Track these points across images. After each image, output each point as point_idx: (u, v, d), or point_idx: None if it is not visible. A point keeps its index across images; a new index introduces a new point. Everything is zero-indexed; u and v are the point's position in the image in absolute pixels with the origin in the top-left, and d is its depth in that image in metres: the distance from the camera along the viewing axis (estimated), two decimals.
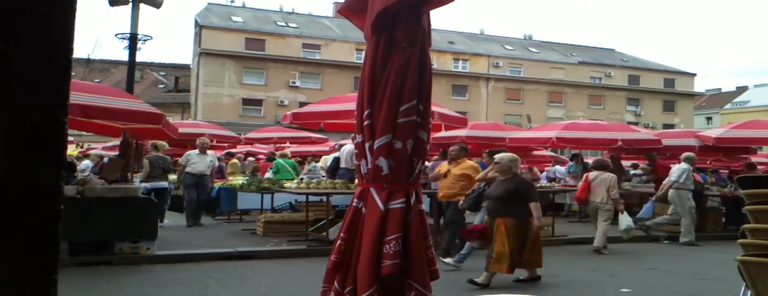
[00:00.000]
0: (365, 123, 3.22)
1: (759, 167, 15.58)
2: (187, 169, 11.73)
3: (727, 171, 20.17)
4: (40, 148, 0.90)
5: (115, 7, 13.47)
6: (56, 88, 0.91)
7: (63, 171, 0.93)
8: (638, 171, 16.40)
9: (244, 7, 46.73)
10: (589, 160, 15.06)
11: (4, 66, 0.87)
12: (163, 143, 12.00)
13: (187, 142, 16.14)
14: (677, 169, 11.30)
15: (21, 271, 0.90)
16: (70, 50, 0.92)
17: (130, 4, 13.38)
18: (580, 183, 10.82)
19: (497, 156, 7.27)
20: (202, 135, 16.70)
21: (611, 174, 10.34)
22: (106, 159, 16.02)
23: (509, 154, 7.35)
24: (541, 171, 18.76)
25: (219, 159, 14.52)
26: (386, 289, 3.14)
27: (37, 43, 0.89)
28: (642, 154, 16.57)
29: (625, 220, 9.86)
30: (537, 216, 6.71)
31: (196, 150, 12.01)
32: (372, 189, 3.22)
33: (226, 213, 13.18)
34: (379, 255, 3.11)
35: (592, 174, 10.58)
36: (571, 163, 14.97)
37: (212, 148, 19.51)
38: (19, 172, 0.89)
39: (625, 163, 17.20)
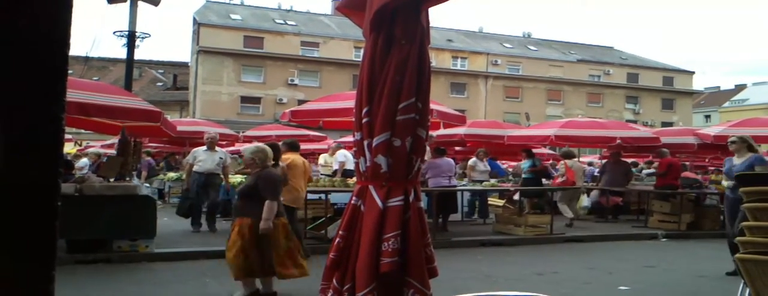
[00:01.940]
0: (364, 120, 3.22)
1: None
2: (195, 168, 10.59)
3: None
4: (37, 145, 0.90)
5: (113, 5, 13.42)
6: (53, 84, 0.91)
7: (60, 168, 0.93)
8: (651, 170, 16.31)
9: (242, 4, 46.68)
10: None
11: None
12: None
13: (186, 139, 16.17)
14: None
15: (17, 269, 0.89)
16: (67, 45, 0.91)
17: (128, 1, 13.33)
18: (564, 170, 12.48)
19: (242, 148, 6.47)
20: (201, 133, 16.73)
21: (579, 162, 13.20)
22: (104, 158, 16.02)
23: (253, 145, 6.36)
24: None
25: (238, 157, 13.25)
26: (385, 287, 3.14)
27: (32, 38, 0.89)
28: (641, 152, 16.58)
29: (585, 200, 13.39)
30: (265, 217, 5.62)
31: (204, 147, 10.89)
32: (371, 187, 3.21)
33: None
34: (378, 252, 3.11)
35: (569, 162, 12.38)
36: (526, 161, 14.16)
37: None
38: (16, 169, 0.88)
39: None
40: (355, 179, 9.88)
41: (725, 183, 8.15)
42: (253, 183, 5.88)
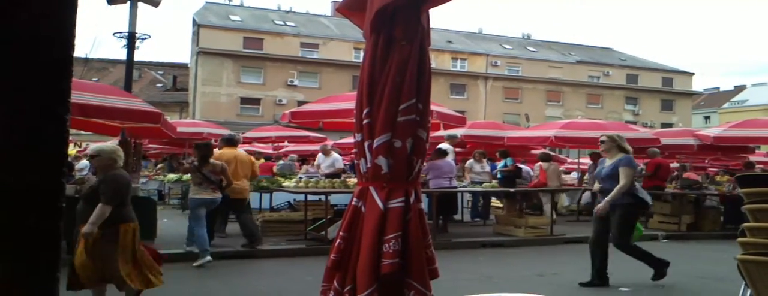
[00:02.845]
0: (364, 121, 3.22)
1: (757, 166, 15.59)
2: None
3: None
4: (42, 145, 0.90)
5: (113, 6, 13.41)
6: (57, 84, 0.91)
7: (64, 168, 0.93)
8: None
9: (242, 6, 46.70)
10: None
11: (3, 62, 0.87)
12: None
13: (185, 140, 16.17)
14: None
15: (22, 270, 0.89)
16: (71, 46, 0.91)
17: (129, 2, 13.31)
18: (538, 172, 13.16)
19: (95, 148, 5.66)
20: (201, 134, 16.73)
21: (557, 164, 14.12)
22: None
23: (110, 144, 5.66)
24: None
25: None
26: (386, 288, 3.14)
27: (37, 38, 0.89)
28: (641, 154, 16.54)
29: (566, 200, 14.80)
30: (92, 221, 5.03)
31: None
32: (371, 188, 3.21)
33: None
34: (379, 254, 3.10)
35: (545, 165, 12.82)
36: (503, 160, 14.21)
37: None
38: (21, 170, 0.88)
39: None
40: (355, 180, 9.98)
41: (595, 186, 7.76)
42: (97, 186, 5.27)
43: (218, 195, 8.34)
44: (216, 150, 9.37)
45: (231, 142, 9.63)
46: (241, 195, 9.29)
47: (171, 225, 11.32)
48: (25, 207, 0.89)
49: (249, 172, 9.51)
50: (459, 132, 14.78)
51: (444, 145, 12.37)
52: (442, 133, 12.63)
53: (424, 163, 10.16)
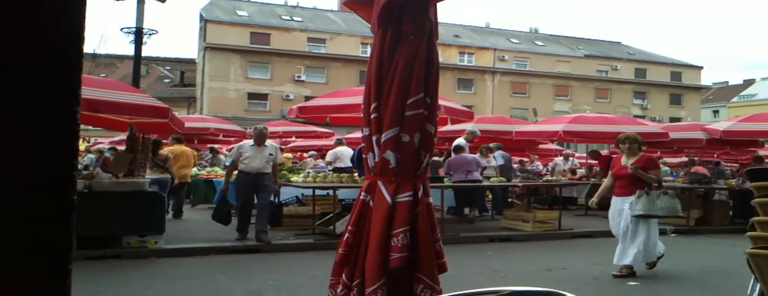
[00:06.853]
0: (372, 116, 3.22)
1: (767, 160, 15.51)
2: (240, 167, 9.12)
3: (736, 165, 20.13)
4: (52, 138, 0.90)
5: (121, 2, 13.46)
6: (68, 78, 0.91)
7: (76, 161, 0.93)
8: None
9: (248, 1, 46.68)
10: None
11: (14, 56, 0.87)
12: None
13: (194, 136, 16.23)
14: None
15: (35, 263, 0.90)
16: (82, 40, 0.92)
17: None
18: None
19: None
20: (208, 129, 16.78)
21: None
22: (107, 154, 16.09)
23: None
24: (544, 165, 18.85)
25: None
26: (394, 282, 3.14)
27: (48, 32, 0.89)
28: (650, 148, 16.57)
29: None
30: None
31: (250, 141, 9.40)
32: (380, 183, 3.21)
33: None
34: (387, 248, 3.11)
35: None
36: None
37: (218, 142, 19.57)
38: (32, 163, 0.88)
39: None
40: (356, 174, 9.99)
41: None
42: None
43: (167, 176, 10.74)
44: (176, 146, 12.25)
45: (181, 140, 12.67)
46: (184, 179, 12.06)
47: (180, 219, 11.35)
48: (37, 200, 0.89)
49: (190, 162, 12.70)
50: (467, 126, 14.79)
51: (460, 140, 12.39)
52: (449, 127, 12.63)
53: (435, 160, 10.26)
